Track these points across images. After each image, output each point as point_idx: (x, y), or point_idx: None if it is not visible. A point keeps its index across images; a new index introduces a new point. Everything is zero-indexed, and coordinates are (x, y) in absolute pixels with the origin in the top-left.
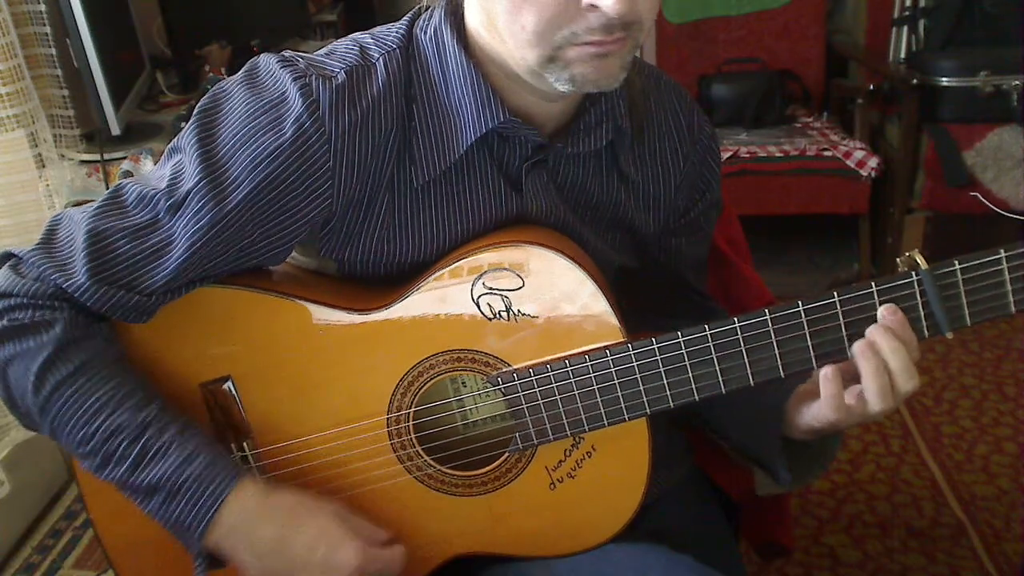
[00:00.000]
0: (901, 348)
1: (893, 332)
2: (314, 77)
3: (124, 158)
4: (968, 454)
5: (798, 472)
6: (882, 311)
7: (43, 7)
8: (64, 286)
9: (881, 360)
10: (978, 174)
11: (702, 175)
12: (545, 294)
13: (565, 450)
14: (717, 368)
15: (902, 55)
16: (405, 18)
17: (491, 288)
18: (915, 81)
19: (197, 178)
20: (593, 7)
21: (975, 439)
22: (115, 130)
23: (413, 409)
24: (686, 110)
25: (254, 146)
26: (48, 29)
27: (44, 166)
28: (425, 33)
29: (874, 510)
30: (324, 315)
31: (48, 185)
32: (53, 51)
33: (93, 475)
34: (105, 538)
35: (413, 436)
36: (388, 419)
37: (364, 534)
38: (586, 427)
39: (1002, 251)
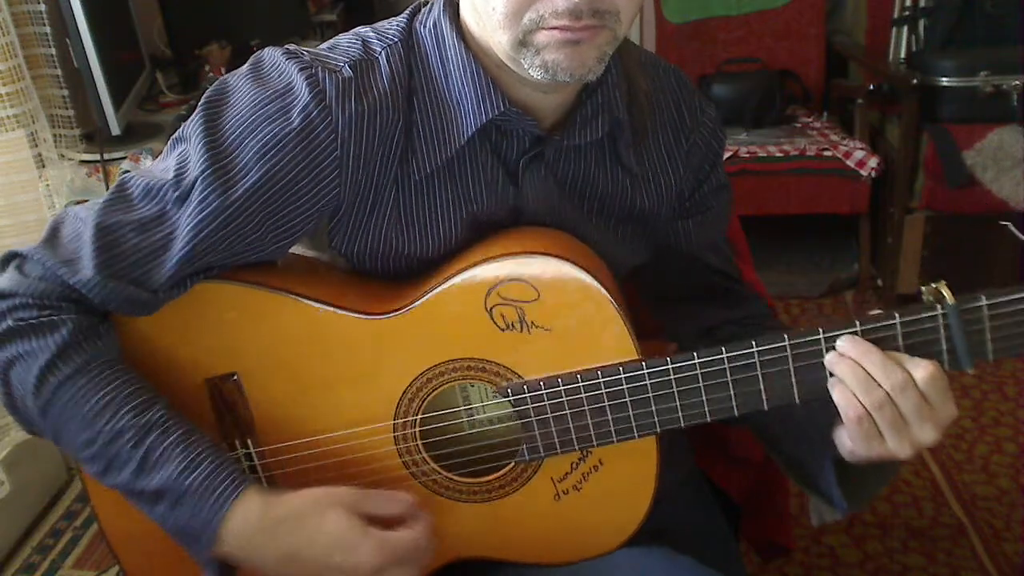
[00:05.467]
0: (856, 368)
1: (847, 357)
2: (320, 68)
3: (124, 158)
4: (968, 454)
5: (853, 497)
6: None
7: (43, 7)
8: (72, 282)
9: (847, 390)
10: (978, 174)
11: (706, 156)
12: (560, 307)
13: (572, 463)
14: (732, 391)
15: (902, 55)
16: (405, 12)
17: (505, 299)
18: (915, 81)
19: (203, 167)
20: None
21: (975, 439)
22: (115, 130)
23: (420, 416)
24: (687, 95)
25: (261, 135)
26: (48, 29)
27: (44, 166)
28: (424, 27)
29: (874, 510)
30: (334, 317)
31: (48, 185)
32: (53, 51)
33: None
34: (108, 530)
35: (420, 442)
36: (395, 424)
37: (379, 511)
38: (595, 443)
39: None
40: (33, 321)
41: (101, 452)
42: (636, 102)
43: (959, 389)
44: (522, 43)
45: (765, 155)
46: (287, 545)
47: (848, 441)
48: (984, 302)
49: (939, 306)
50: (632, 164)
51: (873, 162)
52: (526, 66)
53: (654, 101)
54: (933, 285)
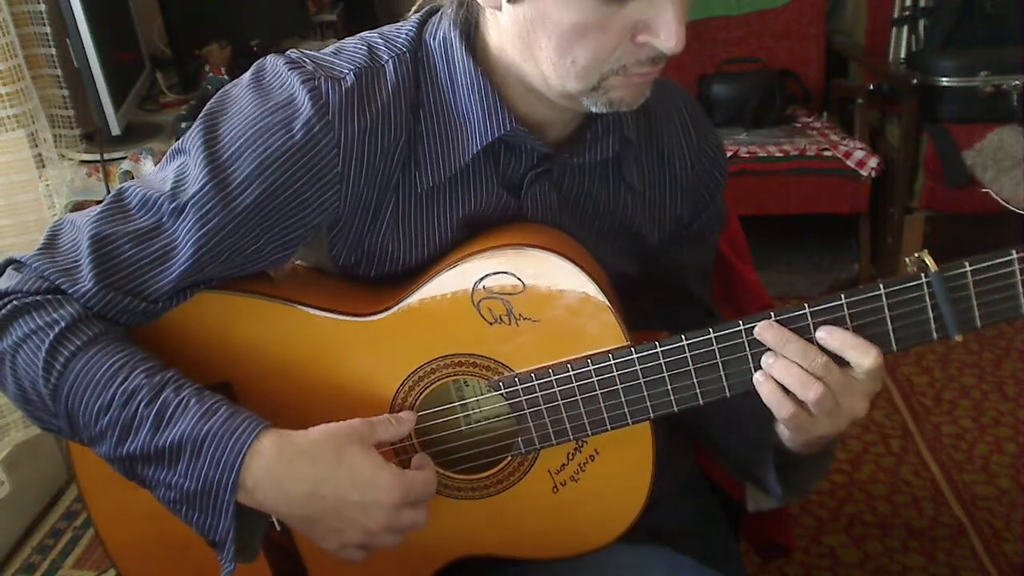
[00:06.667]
0: (791, 365)
1: (775, 352)
2: (323, 80)
3: (124, 158)
4: (968, 454)
5: (791, 487)
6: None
7: (43, 7)
8: (70, 292)
9: (774, 384)
10: (978, 174)
11: (706, 185)
12: (546, 298)
13: (568, 453)
14: (722, 372)
15: (902, 55)
16: (415, 19)
17: (492, 292)
18: (915, 81)
19: (203, 181)
20: (647, 43)
21: (975, 439)
22: (115, 130)
23: (415, 414)
24: (693, 117)
25: (262, 148)
26: (48, 29)
27: (44, 166)
28: (434, 39)
29: (874, 510)
30: (324, 320)
31: (48, 185)
32: (53, 51)
33: (117, 464)
34: (106, 538)
35: (416, 441)
36: None
37: (388, 435)
38: (589, 431)
39: (1014, 252)
40: (39, 298)
41: (117, 416)
42: (643, 121)
43: (959, 389)
44: (594, 88)
45: (765, 155)
46: (307, 480)
47: (786, 431)
48: (968, 268)
49: (923, 275)
50: (635, 183)
51: (873, 162)
52: (586, 103)
53: (661, 121)
54: (916, 255)
